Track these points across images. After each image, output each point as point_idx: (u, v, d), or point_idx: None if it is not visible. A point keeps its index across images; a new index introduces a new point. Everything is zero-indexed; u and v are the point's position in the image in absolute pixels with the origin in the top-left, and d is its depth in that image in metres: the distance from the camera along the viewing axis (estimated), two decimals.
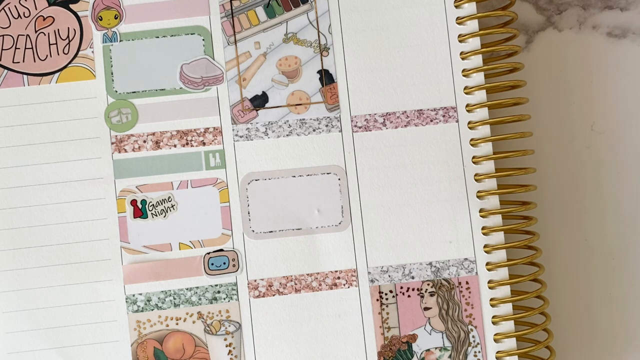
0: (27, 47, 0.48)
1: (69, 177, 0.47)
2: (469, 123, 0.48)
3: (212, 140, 0.47)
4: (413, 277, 0.47)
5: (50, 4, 0.48)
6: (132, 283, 0.47)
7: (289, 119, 0.48)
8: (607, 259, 0.51)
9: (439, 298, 0.47)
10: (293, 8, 0.48)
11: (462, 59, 0.48)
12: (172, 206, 0.47)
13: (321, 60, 0.48)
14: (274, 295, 0.47)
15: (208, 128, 0.48)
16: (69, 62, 0.48)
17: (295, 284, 0.47)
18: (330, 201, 0.47)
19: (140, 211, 0.47)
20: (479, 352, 0.47)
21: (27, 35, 0.48)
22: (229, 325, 0.47)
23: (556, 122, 0.52)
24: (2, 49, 0.48)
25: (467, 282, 0.47)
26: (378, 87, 0.48)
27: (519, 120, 0.48)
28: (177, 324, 0.47)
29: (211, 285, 0.47)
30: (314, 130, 0.48)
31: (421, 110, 0.48)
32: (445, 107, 0.48)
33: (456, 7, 0.48)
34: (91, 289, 0.47)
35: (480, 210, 0.47)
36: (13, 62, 0.48)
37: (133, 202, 0.47)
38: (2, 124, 0.47)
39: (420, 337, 0.47)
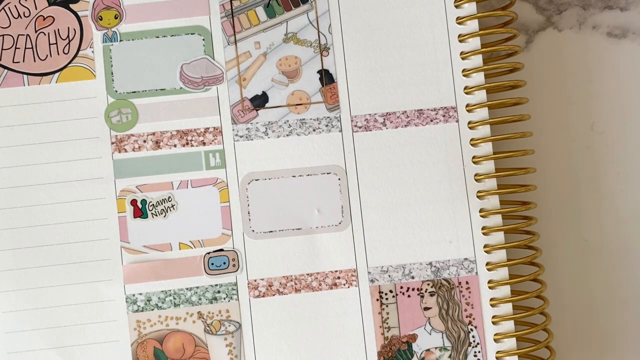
0: (27, 47, 0.48)
1: (69, 177, 0.47)
2: (469, 123, 0.48)
3: (212, 140, 0.47)
4: (413, 277, 0.47)
5: (50, 4, 0.48)
6: (132, 283, 0.47)
7: (289, 118, 0.48)
8: (607, 259, 0.52)
9: (439, 298, 0.47)
10: (293, 8, 0.48)
11: (462, 59, 0.48)
12: (172, 206, 0.47)
13: (321, 60, 0.48)
14: (274, 295, 0.47)
15: (208, 128, 0.48)
16: (69, 62, 0.48)
17: (295, 284, 0.47)
18: (330, 201, 0.47)
19: (140, 211, 0.47)
20: (479, 352, 0.47)
21: (27, 35, 0.48)
22: (229, 325, 0.47)
23: (556, 122, 0.52)
24: (2, 49, 0.48)
25: (467, 282, 0.47)
26: (378, 87, 0.48)
27: (519, 120, 0.48)
28: (177, 323, 0.47)
29: (211, 285, 0.47)
30: (314, 130, 0.48)
31: (421, 110, 0.48)
32: (445, 107, 0.48)
33: (456, 7, 0.48)
34: (91, 289, 0.47)
35: (480, 210, 0.47)
36: (13, 62, 0.48)
37: (133, 202, 0.47)
38: (2, 124, 0.47)
39: (420, 337, 0.47)
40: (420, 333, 0.47)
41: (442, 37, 0.48)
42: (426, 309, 0.47)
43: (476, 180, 0.47)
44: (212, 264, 0.47)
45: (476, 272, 0.47)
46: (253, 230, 0.47)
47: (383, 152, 0.48)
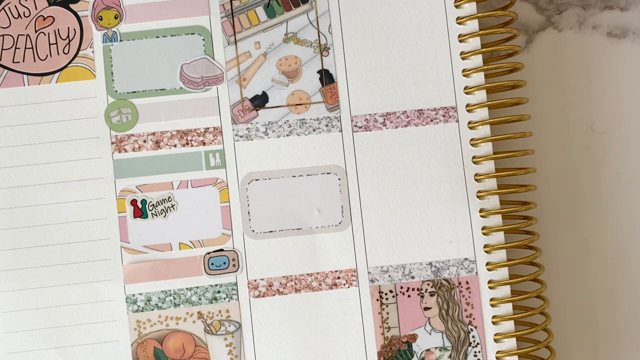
0: (27, 47, 0.48)
1: (69, 177, 0.47)
2: (469, 123, 0.48)
3: (212, 140, 0.47)
4: (413, 277, 0.47)
5: (50, 4, 0.48)
6: (132, 283, 0.47)
7: (289, 118, 0.48)
8: (607, 259, 0.52)
9: (439, 298, 0.47)
10: (293, 8, 0.48)
11: (462, 59, 0.48)
12: (172, 206, 0.47)
13: (321, 60, 0.48)
14: (274, 295, 0.47)
15: (208, 128, 0.48)
16: (69, 62, 0.48)
17: (295, 284, 0.47)
18: (330, 201, 0.47)
19: (140, 211, 0.47)
20: (479, 352, 0.47)
21: (27, 35, 0.48)
22: (229, 325, 0.47)
23: (556, 122, 0.52)
24: (2, 49, 0.48)
25: (467, 282, 0.47)
26: (378, 87, 0.48)
27: (519, 120, 0.48)
28: (177, 323, 0.47)
29: (211, 285, 0.47)
30: (314, 130, 0.48)
31: (421, 110, 0.48)
32: (445, 107, 0.48)
33: (456, 7, 0.48)
34: (91, 289, 0.47)
35: (480, 210, 0.47)
36: (13, 62, 0.48)
37: (133, 202, 0.47)
38: (2, 124, 0.47)
39: (420, 337, 0.47)
40: (420, 333, 0.47)
41: (442, 37, 0.48)
42: (426, 309, 0.47)
43: (476, 180, 0.47)
44: (212, 264, 0.47)
45: (476, 272, 0.47)
46: (253, 230, 0.47)
47: (383, 152, 0.48)
